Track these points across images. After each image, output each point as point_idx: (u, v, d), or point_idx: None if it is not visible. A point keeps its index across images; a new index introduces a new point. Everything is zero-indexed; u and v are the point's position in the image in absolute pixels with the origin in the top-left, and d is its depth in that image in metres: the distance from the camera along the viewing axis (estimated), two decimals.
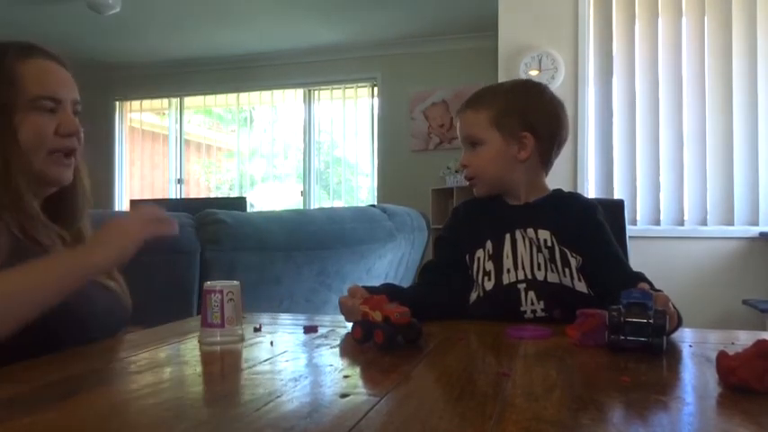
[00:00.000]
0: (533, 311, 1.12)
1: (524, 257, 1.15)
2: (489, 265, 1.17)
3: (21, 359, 0.84)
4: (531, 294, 1.13)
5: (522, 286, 1.13)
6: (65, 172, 1.06)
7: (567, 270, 1.13)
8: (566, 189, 1.27)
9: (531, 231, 1.16)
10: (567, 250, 1.14)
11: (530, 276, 1.14)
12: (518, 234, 1.17)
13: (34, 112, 1.02)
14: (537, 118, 1.19)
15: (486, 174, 1.21)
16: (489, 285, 1.16)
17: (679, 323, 0.93)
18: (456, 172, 5.11)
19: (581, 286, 1.13)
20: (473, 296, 1.18)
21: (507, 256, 1.16)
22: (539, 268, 1.14)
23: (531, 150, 1.19)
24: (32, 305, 0.85)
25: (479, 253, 1.19)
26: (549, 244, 1.14)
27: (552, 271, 1.13)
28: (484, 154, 1.19)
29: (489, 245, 1.18)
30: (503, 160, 1.19)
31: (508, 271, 1.15)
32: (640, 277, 1.04)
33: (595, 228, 1.18)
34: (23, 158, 1.00)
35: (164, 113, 6.86)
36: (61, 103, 1.04)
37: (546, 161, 1.23)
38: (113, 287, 1.13)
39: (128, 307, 1.16)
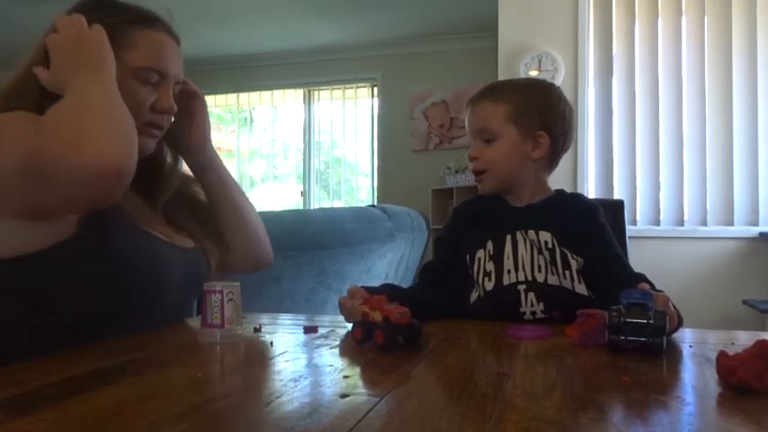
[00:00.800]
0: (533, 313, 1.12)
1: (525, 259, 1.15)
2: (490, 266, 1.17)
3: (105, 331, 0.90)
4: (531, 296, 1.13)
5: (522, 287, 1.13)
6: (149, 142, 1.06)
7: (567, 272, 1.13)
8: (566, 189, 1.27)
9: (532, 233, 1.16)
10: (567, 252, 1.14)
11: (530, 278, 1.14)
12: (519, 235, 1.17)
13: (138, 81, 1.02)
14: (553, 119, 1.19)
15: (498, 169, 1.19)
16: (489, 286, 1.15)
17: (679, 324, 0.93)
18: (456, 172, 5.12)
19: (581, 288, 1.13)
20: (473, 296, 1.18)
21: (508, 257, 1.16)
22: (539, 270, 1.14)
23: (546, 150, 1.19)
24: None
25: (480, 253, 1.19)
26: (550, 246, 1.14)
27: (552, 273, 1.13)
28: (498, 148, 1.18)
29: (490, 245, 1.18)
30: (516, 157, 1.18)
31: (508, 272, 1.15)
32: (642, 278, 1.04)
33: (596, 229, 1.17)
34: None
35: None
36: (166, 78, 1.05)
37: (553, 162, 1.23)
38: (188, 247, 1.15)
39: (208, 264, 1.18)
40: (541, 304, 1.12)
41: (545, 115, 1.19)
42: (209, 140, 1.22)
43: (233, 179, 1.27)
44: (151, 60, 1.02)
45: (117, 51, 0.99)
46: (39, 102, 0.95)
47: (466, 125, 1.25)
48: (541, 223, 1.16)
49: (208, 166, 1.21)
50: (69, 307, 0.95)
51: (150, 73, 1.02)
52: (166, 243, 1.08)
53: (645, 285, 0.91)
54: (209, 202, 1.24)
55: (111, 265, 0.97)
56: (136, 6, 1.06)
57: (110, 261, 0.97)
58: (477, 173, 1.21)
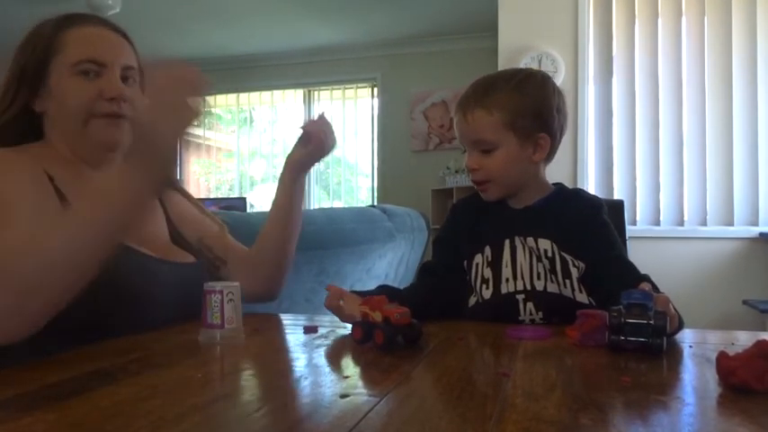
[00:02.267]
0: (532, 320, 1.11)
1: (524, 267, 1.12)
2: (488, 273, 1.14)
3: (69, 346, 0.84)
4: (530, 305, 1.10)
5: (520, 297, 1.11)
6: (114, 133, 1.06)
7: (567, 281, 1.10)
8: None
9: (531, 240, 1.13)
10: (568, 258, 1.11)
11: (528, 287, 1.11)
12: (518, 242, 1.14)
13: (78, 77, 1.02)
14: (551, 116, 1.14)
15: (503, 178, 1.14)
16: (487, 294, 1.13)
17: (680, 326, 0.92)
18: (456, 172, 5.11)
19: (581, 297, 1.10)
20: (471, 301, 1.16)
21: (506, 265, 1.13)
22: (538, 278, 1.11)
23: (547, 150, 1.14)
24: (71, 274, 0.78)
25: (478, 258, 1.16)
26: (550, 254, 1.11)
27: (552, 281, 1.11)
28: (498, 158, 1.12)
29: (488, 250, 1.16)
30: (518, 163, 1.13)
31: (507, 280, 1.12)
32: (645, 280, 1.00)
33: (600, 228, 1.14)
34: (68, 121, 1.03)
35: None
36: (106, 66, 1.04)
37: (551, 157, 1.18)
38: (186, 262, 1.12)
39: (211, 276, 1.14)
40: (540, 313, 1.10)
41: (542, 116, 1.13)
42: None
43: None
44: (83, 52, 1.03)
45: (52, 59, 1.03)
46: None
47: (457, 132, 1.17)
48: (541, 229, 1.13)
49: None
50: (59, 330, 0.92)
51: (87, 64, 1.03)
52: (156, 259, 1.06)
53: (646, 285, 0.91)
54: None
55: (96, 285, 0.94)
56: (65, 14, 1.08)
57: (95, 282, 0.94)
58: (479, 183, 1.16)
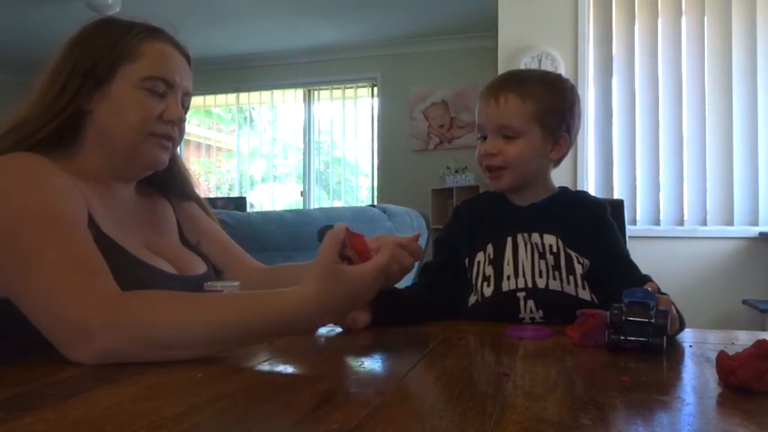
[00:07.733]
0: (532, 319, 1.11)
1: (525, 264, 1.12)
2: (489, 270, 1.14)
3: None
4: (531, 303, 1.10)
5: (521, 295, 1.11)
6: (162, 154, 1.04)
7: (571, 277, 1.10)
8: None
9: (536, 236, 1.13)
10: (573, 254, 1.11)
11: (530, 284, 1.11)
12: (520, 239, 1.14)
13: (144, 91, 1.00)
14: (573, 119, 1.17)
15: (519, 168, 1.14)
16: (488, 291, 1.13)
17: (681, 327, 0.92)
18: (456, 172, 5.11)
19: (584, 294, 1.10)
20: (471, 299, 1.16)
21: (508, 263, 1.13)
22: (540, 275, 1.11)
23: (564, 150, 1.17)
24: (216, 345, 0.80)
25: (480, 256, 1.17)
26: (555, 250, 1.12)
27: (555, 278, 1.11)
28: (519, 146, 1.13)
29: (490, 248, 1.16)
30: (536, 157, 1.15)
31: (508, 278, 1.13)
32: (648, 281, 1.01)
33: (604, 229, 1.15)
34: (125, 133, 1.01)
35: None
36: (173, 88, 1.03)
37: (561, 160, 1.21)
38: (200, 273, 1.09)
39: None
40: (541, 311, 1.10)
41: (567, 117, 1.16)
42: None
43: None
44: (156, 69, 1.02)
45: (123, 65, 1.00)
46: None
47: (482, 114, 1.16)
48: (546, 225, 1.14)
49: None
50: None
51: (156, 82, 1.01)
52: (169, 275, 1.02)
53: (652, 285, 0.91)
54: None
55: None
56: (140, 22, 1.06)
57: None
58: (494, 169, 1.16)
